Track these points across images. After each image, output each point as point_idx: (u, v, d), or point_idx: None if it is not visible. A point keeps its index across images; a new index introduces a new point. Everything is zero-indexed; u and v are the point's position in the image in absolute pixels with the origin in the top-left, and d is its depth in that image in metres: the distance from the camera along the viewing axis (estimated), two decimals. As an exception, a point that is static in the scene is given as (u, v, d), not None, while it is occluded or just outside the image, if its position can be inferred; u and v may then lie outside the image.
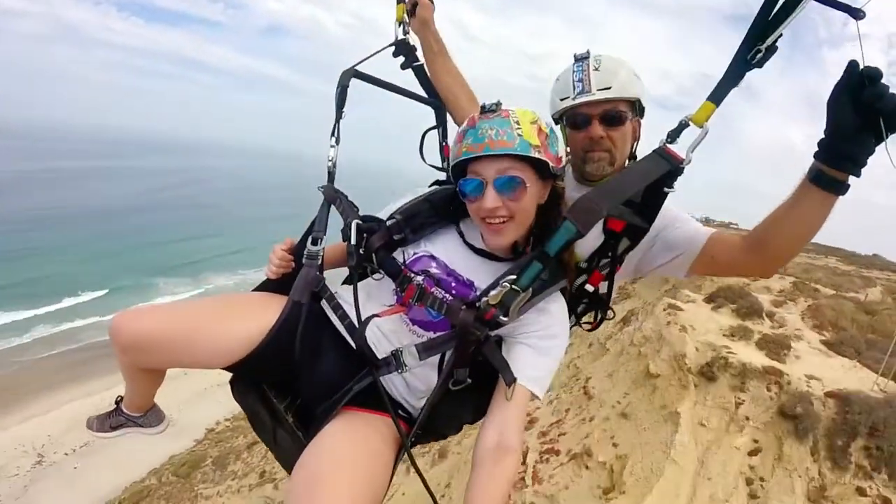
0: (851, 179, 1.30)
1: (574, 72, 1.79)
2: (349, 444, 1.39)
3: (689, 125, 1.42)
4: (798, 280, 13.11)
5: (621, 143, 1.83)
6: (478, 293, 1.49)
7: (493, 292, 1.39)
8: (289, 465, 1.58)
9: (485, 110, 1.45)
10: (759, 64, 1.30)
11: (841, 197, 1.36)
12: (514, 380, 1.42)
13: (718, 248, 1.72)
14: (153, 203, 67.33)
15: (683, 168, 1.43)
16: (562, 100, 1.82)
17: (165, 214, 61.66)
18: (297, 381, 1.68)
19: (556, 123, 1.93)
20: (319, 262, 1.69)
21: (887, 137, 1.17)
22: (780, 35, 1.24)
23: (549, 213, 1.55)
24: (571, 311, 1.84)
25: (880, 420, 5.49)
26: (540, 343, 1.49)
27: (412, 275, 1.53)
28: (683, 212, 1.86)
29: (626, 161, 1.89)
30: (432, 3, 2.20)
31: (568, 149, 1.88)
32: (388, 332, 1.60)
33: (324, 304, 1.71)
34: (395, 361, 1.51)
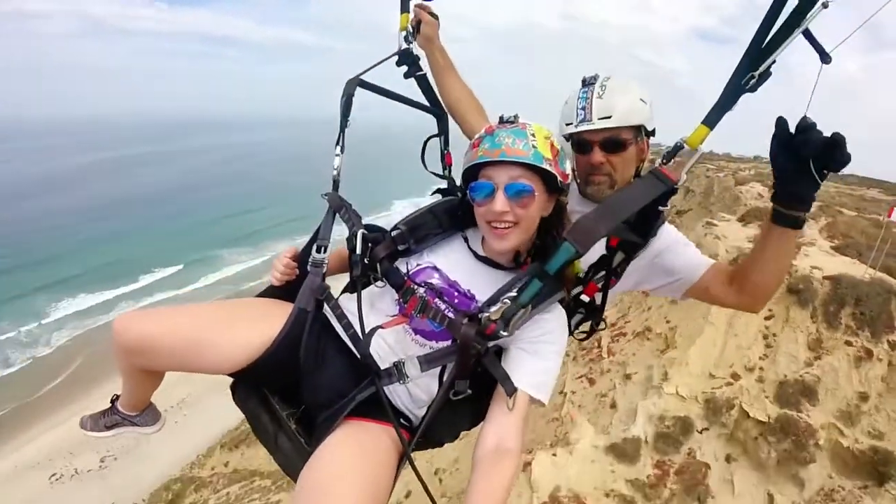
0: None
1: (579, 98, 1.82)
2: (353, 454, 1.40)
3: (683, 147, 1.45)
4: (824, 203, 14.75)
5: (622, 167, 1.86)
6: (479, 305, 1.53)
7: (493, 308, 1.43)
8: (290, 470, 1.62)
9: (503, 121, 1.51)
10: (753, 89, 1.34)
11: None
12: (515, 390, 1.45)
13: (713, 282, 1.80)
14: (202, 182, 68.90)
15: (678, 188, 1.46)
16: (567, 125, 1.86)
17: (216, 191, 63.01)
18: (300, 388, 1.68)
19: (567, 140, 1.96)
20: (324, 269, 1.70)
21: (822, 177, 1.30)
22: (773, 62, 1.29)
23: (551, 225, 1.60)
24: (567, 320, 1.84)
25: (864, 294, 7.56)
26: (539, 348, 1.51)
27: (415, 287, 1.56)
28: (683, 236, 1.92)
29: (631, 180, 1.90)
30: (437, 19, 2.22)
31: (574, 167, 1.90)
32: (391, 343, 1.60)
33: (327, 311, 1.70)
34: (396, 372, 1.52)
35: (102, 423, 2.08)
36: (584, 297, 1.82)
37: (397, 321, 1.58)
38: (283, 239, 44.99)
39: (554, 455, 6.85)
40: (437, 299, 1.54)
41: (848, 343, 7.28)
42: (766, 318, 7.71)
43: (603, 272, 1.79)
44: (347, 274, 1.72)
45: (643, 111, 1.82)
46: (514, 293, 1.44)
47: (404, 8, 2.18)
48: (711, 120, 1.41)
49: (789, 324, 7.60)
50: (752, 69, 1.32)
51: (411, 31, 2.18)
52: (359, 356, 1.56)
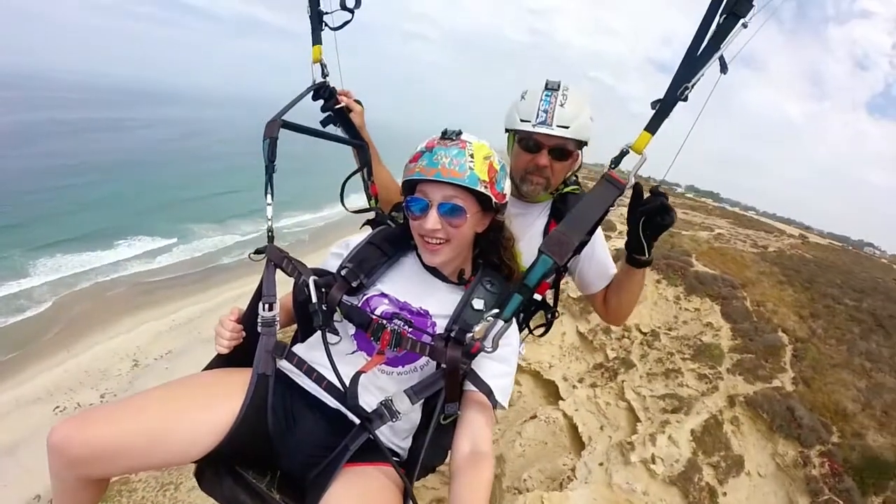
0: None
1: (542, 99, 1.87)
2: (363, 502, 1.36)
3: (629, 152, 1.47)
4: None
5: (560, 173, 1.98)
6: (435, 321, 1.55)
7: (477, 327, 1.43)
8: None
9: (444, 136, 1.49)
10: (685, 99, 1.40)
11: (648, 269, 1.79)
12: (497, 402, 1.48)
13: (600, 297, 2.09)
14: (166, 156, 62.34)
15: (624, 192, 1.50)
16: (522, 121, 1.89)
17: (180, 168, 57.36)
18: (273, 452, 1.57)
19: (507, 132, 2.03)
20: (277, 327, 1.61)
21: (647, 234, 1.60)
22: (703, 75, 1.37)
23: (487, 240, 1.66)
24: (524, 321, 2.00)
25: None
26: (499, 353, 1.47)
27: (384, 322, 1.51)
28: (602, 237, 2.10)
29: (562, 183, 2.07)
30: (362, 106, 2.20)
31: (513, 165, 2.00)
32: (365, 383, 1.49)
33: (286, 369, 1.62)
34: (387, 412, 1.45)
35: None
36: (537, 296, 1.77)
37: (375, 361, 1.51)
38: (250, 221, 43.13)
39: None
40: (407, 328, 1.51)
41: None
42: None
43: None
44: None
45: (591, 128, 1.95)
46: (496, 310, 1.46)
47: (316, 39, 2.07)
48: (652, 127, 1.44)
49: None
50: (685, 81, 1.37)
51: (324, 62, 2.08)
52: (345, 407, 1.50)
